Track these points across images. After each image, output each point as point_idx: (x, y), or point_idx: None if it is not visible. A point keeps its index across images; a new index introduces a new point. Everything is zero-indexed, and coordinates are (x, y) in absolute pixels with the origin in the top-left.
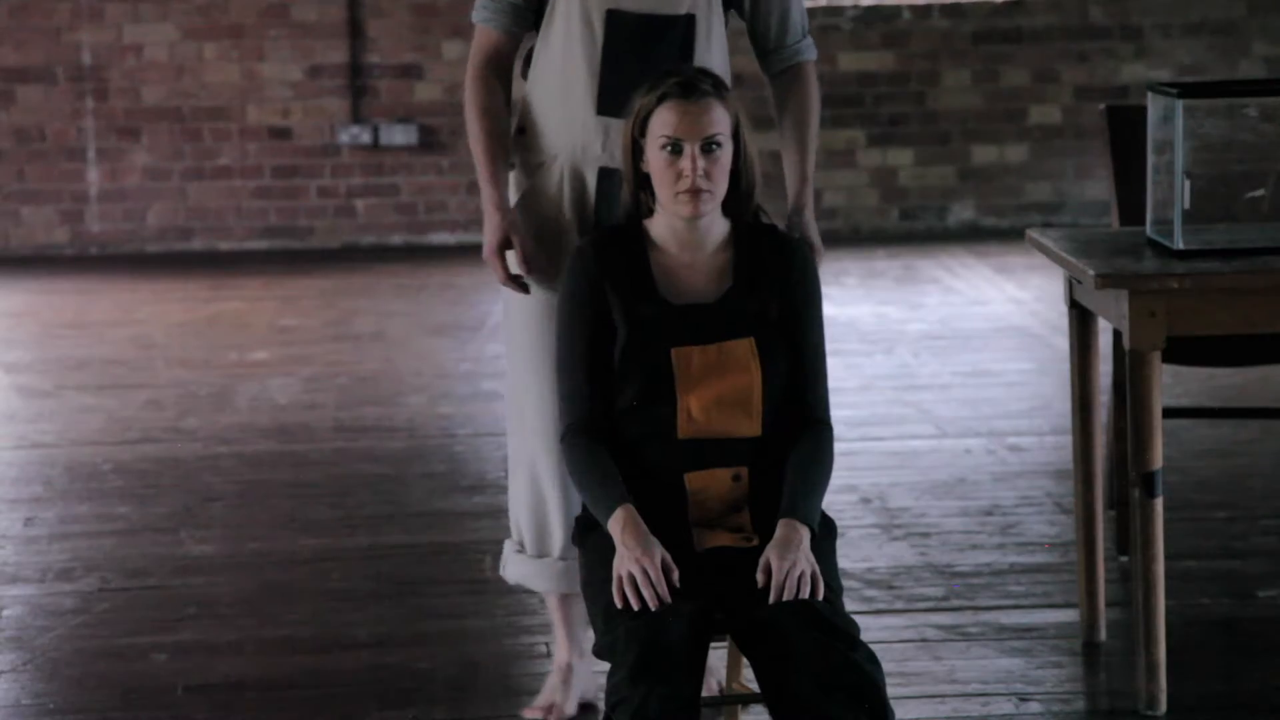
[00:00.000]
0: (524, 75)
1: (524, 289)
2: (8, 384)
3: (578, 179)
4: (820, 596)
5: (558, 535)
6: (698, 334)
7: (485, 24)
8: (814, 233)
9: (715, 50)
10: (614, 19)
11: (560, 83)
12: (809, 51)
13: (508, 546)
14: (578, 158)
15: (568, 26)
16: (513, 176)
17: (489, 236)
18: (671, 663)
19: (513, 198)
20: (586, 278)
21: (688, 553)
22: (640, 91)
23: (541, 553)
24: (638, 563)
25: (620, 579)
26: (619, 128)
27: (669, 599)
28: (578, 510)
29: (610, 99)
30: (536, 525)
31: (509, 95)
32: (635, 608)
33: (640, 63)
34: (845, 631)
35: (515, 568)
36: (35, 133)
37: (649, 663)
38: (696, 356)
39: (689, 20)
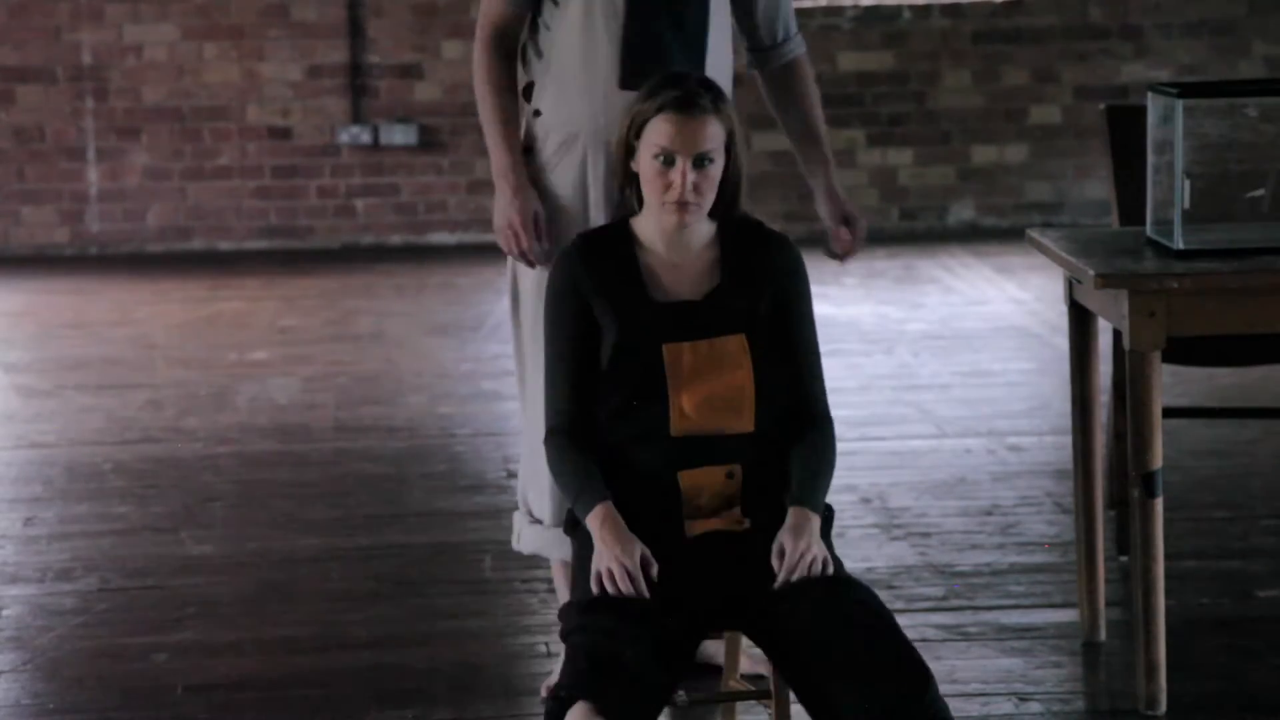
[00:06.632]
0: (526, 60)
1: (531, 263)
2: (8, 384)
3: (600, 156)
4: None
5: (559, 504)
6: (688, 330)
7: None
8: (854, 206)
9: (721, 26)
10: None
11: (580, 58)
12: (802, 46)
13: (518, 519)
14: (600, 134)
15: (588, 3)
16: (532, 158)
17: (505, 209)
18: (627, 676)
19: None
20: (571, 281)
21: (679, 544)
22: (639, 96)
23: (551, 521)
24: (616, 560)
25: (599, 575)
26: None
27: (646, 594)
28: None
29: (634, 73)
30: (548, 495)
31: (514, 69)
32: (621, 593)
33: (672, 29)
34: (848, 579)
35: (531, 538)
36: (35, 132)
37: (603, 674)
38: (688, 353)
39: None
